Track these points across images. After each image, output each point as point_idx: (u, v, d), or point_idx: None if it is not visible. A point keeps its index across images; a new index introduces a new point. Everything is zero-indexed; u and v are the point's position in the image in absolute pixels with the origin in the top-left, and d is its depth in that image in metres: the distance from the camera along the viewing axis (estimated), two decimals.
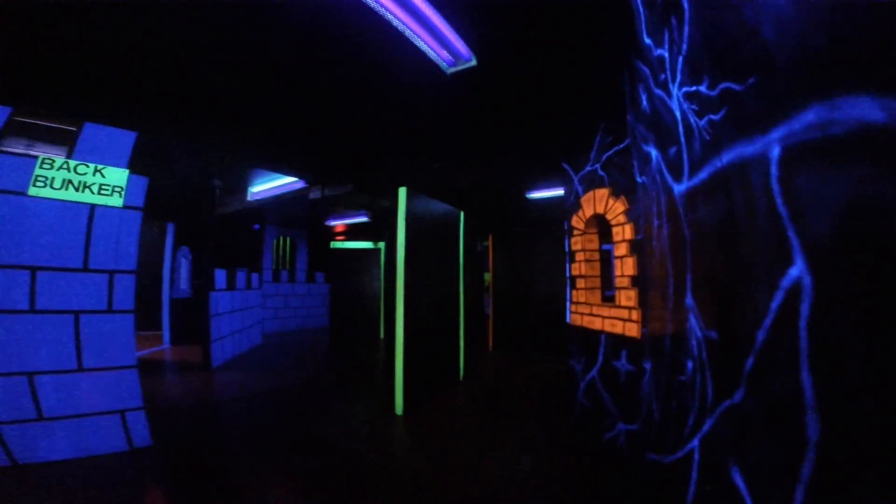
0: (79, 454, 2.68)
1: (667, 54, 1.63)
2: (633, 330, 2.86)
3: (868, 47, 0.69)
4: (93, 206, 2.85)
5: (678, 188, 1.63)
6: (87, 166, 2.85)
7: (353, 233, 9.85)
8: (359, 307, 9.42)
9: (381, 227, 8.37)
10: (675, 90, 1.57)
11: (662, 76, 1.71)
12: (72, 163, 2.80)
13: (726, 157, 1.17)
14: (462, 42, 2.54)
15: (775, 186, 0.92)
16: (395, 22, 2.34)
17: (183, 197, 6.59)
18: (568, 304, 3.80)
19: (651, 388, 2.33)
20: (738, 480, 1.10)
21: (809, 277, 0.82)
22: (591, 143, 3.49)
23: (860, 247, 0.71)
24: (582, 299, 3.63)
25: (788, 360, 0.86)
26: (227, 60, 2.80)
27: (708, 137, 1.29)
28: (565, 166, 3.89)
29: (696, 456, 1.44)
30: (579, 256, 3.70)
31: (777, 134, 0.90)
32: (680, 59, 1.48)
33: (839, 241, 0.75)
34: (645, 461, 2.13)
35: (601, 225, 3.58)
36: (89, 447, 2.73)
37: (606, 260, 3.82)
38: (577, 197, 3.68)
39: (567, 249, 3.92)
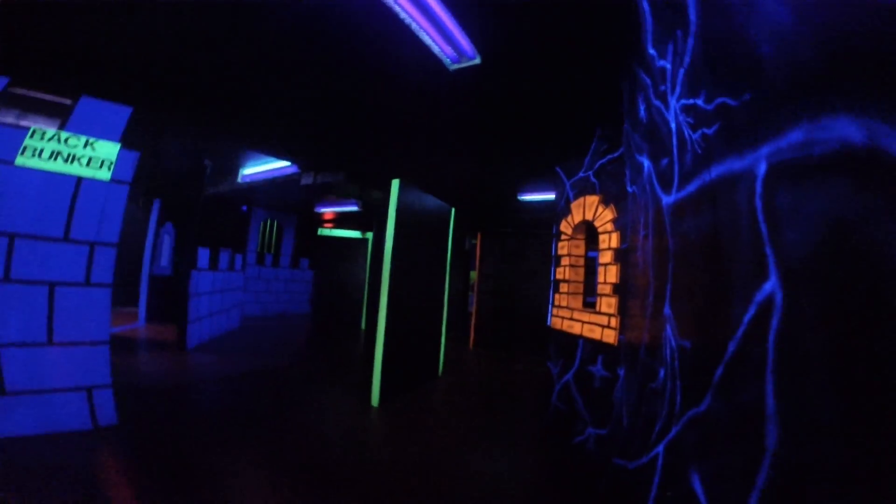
0: (41, 430, 2.59)
1: (669, 66, 1.65)
2: (610, 336, 2.91)
3: (856, 69, 0.71)
4: (79, 178, 2.80)
5: (666, 200, 1.65)
6: (79, 139, 2.81)
7: (341, 221, 9.75)
8: (342, 296, 9.36)
9: (370, 218, 8.30)
10: (673, 102, 1.59)
11: (663, 87, 1.73)
12: (63, 134, 2.76)
13: (715, 172, 1.19)
14: (468, 40, 2.54)
15: (758, 203, 0.94)
16: (403, 14, 2.32)
17: (173, 173, 6.43)
18: (550, 307, 3.84)
19: (623, 394, 2.38)
20: (697, 487, 1.13)
21: (780, 293, 0.84)
22: (586, 149, 3.52)
23: (828, 266, 0.73)
24: (564, 303, 3.67)
25: (755, 372, 0.89)
26: (228, 39, 2.73)
27: (700, 151, 1.31)
28: (559, 170, 3.92)
29: (660, 462, 1.48)
30: (565, 261, 3.74)
31: (766, 150, 0.92)
32: (681, 71, 1.50)
33: (809, 260, 0.77)
34: (610, 466, 2.17)
35: (589, 231, 3.62)
36: (53, 424, 2.64)
37: (591, 266, 3.87)
38: (568, 202, 3.71)
39: (554, 253, 3.95)
